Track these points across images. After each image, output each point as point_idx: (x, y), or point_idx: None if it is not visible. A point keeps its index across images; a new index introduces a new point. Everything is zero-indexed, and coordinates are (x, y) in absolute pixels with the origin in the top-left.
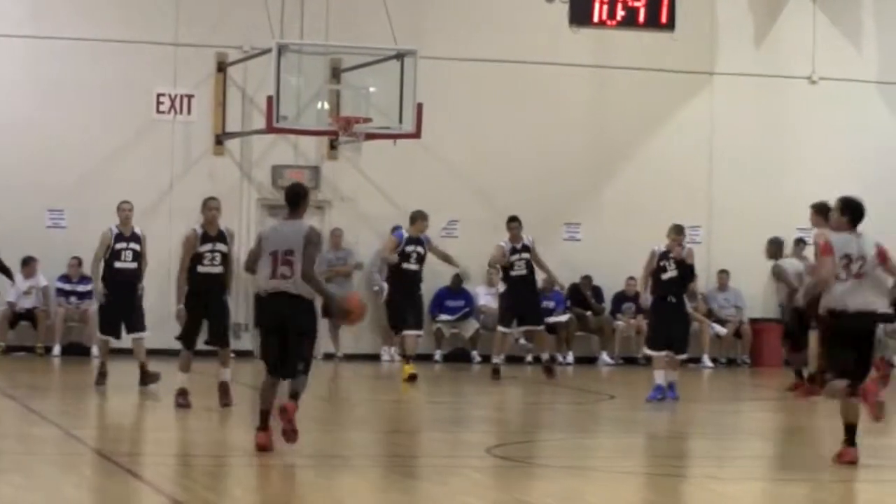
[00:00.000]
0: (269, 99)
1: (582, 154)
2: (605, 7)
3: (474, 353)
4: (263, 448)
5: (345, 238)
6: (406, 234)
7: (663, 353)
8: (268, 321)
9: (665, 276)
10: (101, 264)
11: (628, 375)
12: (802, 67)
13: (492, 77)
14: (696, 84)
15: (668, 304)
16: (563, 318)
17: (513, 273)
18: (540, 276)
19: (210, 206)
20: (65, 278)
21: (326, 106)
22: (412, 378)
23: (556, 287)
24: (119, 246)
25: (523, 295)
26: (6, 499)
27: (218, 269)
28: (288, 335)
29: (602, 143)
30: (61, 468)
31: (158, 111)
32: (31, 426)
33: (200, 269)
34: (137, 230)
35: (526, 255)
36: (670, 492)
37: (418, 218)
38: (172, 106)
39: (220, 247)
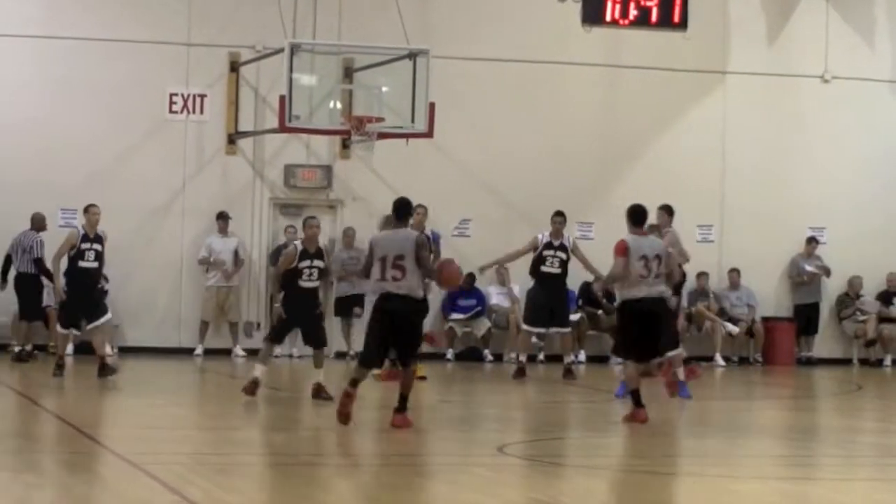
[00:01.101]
0: (282, 98)
1: (594, 153)
2: (618, 6)
3: (486, 352)
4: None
5: (358, 237)
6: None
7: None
8: (378, 319)
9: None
10: (63, 262)
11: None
12: (815, 66)
13: (504, 76)
14: (708, 83)
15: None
16: (575, 317)
17: (543, 269)
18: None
19: (311, 225)
20: None
21: (339, 105)
22: (421, 379)
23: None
24: (84, 246)
25: (554, 294)
26: (18, 497)
27: (315, 284)
28: (397, 332)
29: (614, 142)
30: (73, 467)
31: (171, 111)
32: (43, 425)
33: (300, 283)
34: (100, 231)
35: (562, 255)
36: (683, 491)
37: (414, 211)
38: (185, 106)
39: (318, 263)
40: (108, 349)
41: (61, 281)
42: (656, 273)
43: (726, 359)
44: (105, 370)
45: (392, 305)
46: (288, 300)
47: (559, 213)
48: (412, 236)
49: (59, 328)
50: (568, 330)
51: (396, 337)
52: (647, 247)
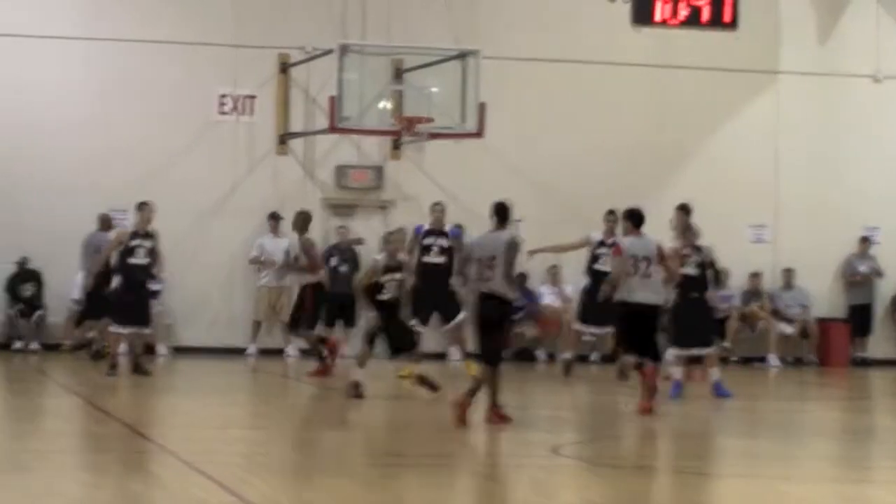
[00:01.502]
0: (332, 99)
1: (645, 154)
2: (668, 6)
3: (538, 353)
4: (490, 421)
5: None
6: (426, 227)
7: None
8: (476, 318)
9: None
10: (113, 258)
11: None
12: (866, 66)
13: (554, 76)
14: (759, 83)
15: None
16: None
17: (596, 267)
18: None
19: (394, 240)
20: None
21: (389, 106)
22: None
23: None
24: (134, 243)
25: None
26: (74, 497)
27: (395, 295)
28: (491, 329)
29: (665, 142)
30: (129, 466)
31: (221, 112)
32: (98, 424)
33: (380, 297)
34: (151, 229)
35: None
36: (737, 493)
37: (432, 209)
38: (235, 106)
39: (397, 275)
40: (160, 348)
41: (113, 280)
42: (644, 273)
43: (781, 359)
44: (138, 369)
45: (482, 305)
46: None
47: (611, 212)
48: (504, 238)
49: (111, 327)
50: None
51: (483, 335)
52: (640, 248)
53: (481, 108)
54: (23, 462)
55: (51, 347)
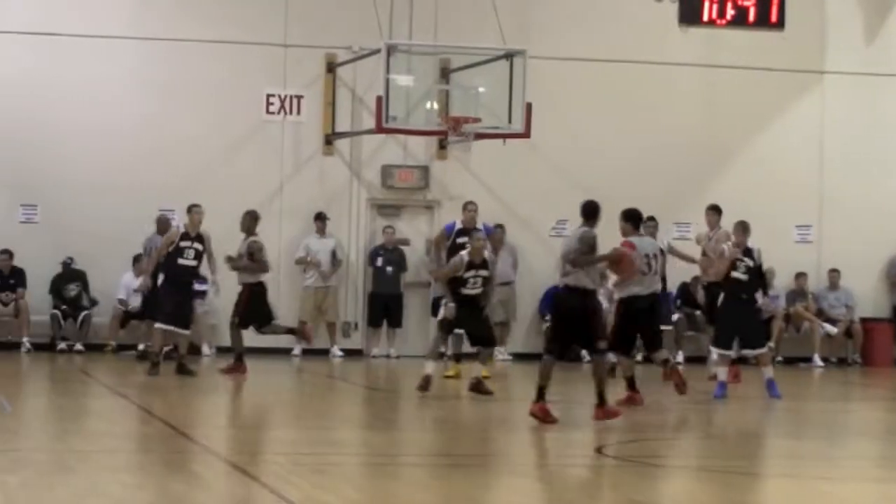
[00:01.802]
0: (379, 99)
1: (691, 153)
2: (715, 6)
3: (584, 353)
4: (536, 416)
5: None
6: (458, 225)
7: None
8: (558, 311)
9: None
10: (161, 258)
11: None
12: None
13: (600, 76)
14: (806, 83)
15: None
16: (673, 317)
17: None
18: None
19: (477, 238)
20: None
21: (436, 106)
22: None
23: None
24: (184, 244)
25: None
26: (118, 497)
27: (479, 291)
28: (572, 325)
29: (711, 142)
30: (171, 467)
31: (268, 112)
32: (141, 424)
33: (463, 290)
34: (203, 231)
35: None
36: (781, 492)
37: (465, 208)
38: (282, 106)
39: (483, 272)
40: (205, 348)
41: (159, 279)
42: (654, 270)
43: (825, 360)
44: (182, 370)
45: (566, 299)
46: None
47: (651, 218)
48: (579, 232)
49: (156, 325)
50: (667, 328)
51: (573, 330)
52: (649, 246)
53: (528, 108)
54: (67, 462)
55: (95, 348)
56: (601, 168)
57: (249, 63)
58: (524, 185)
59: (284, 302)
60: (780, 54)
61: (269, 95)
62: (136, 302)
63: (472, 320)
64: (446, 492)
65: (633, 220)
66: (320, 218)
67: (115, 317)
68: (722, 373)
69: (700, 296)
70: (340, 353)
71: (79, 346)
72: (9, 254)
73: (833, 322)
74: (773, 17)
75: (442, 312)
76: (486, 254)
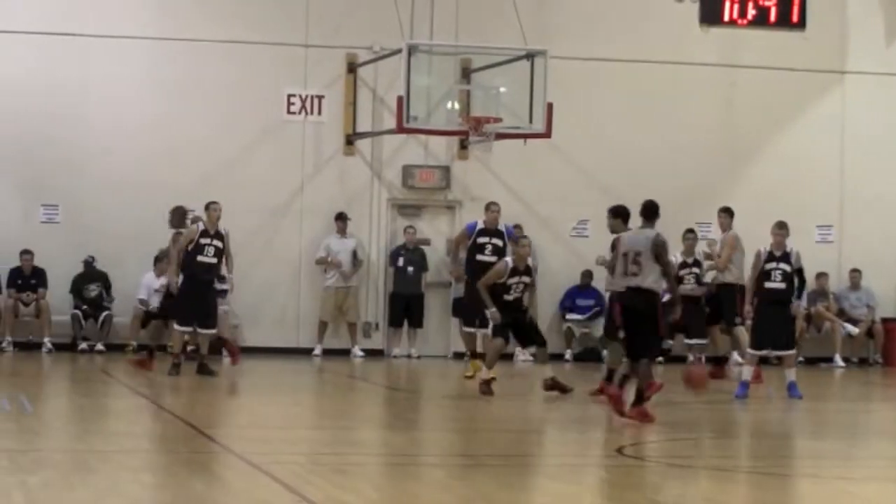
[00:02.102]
0: (400, 99)
1: (712, 153)
2: (736, 6)
3: (605, 353)
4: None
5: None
6: (480, 226)
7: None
8: (624, 311)
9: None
10: (182, 256)
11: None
12: None
13: (621, 76)
14: (826, 83)
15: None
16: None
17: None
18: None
19: (523, 245)
20: None
21: (457, 106)
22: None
23: None
24: (203, 241)
25: None
26: (136, 497)
27: (519, 296)
28: (637, 322)
29: (732, 142)
30: (192, 467)
31: (289, 112)
32: (162, 425)
33: (505, 296)
34: (222, 228)
35: (696, 270)
36: (802, 492)
37: (487, 208)
38: (303, 106)
39: (525, 279)
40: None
41: (176, 278)
42: (633, 271)
43: (846, 360)
44: (203, 370)
45: (629, 299)
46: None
47: (690, 230)
48: (651, 235)
49: (175, 326)
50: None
51: (632, 329)
52: (630, 242)
53: (549, 108)
54: (87, 462)
55: (116, 348)
56: (622, 168)
57: (270, 63)
58: (545, 185)
59: (305, 302)
60: (801, 54)
61: (289, 95)
62: (156, 302)
63: (518, 323)
64: (467, 492)
65: (621, 215)
66: (341, 218)
67: (136, 317)
68: (746, 372)
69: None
70: (361, 354)
71: (100, 347)
72: (30, 254)
73: (854, 322)
74: (795, 17)
75: (492, 320)
76: (529, 260)
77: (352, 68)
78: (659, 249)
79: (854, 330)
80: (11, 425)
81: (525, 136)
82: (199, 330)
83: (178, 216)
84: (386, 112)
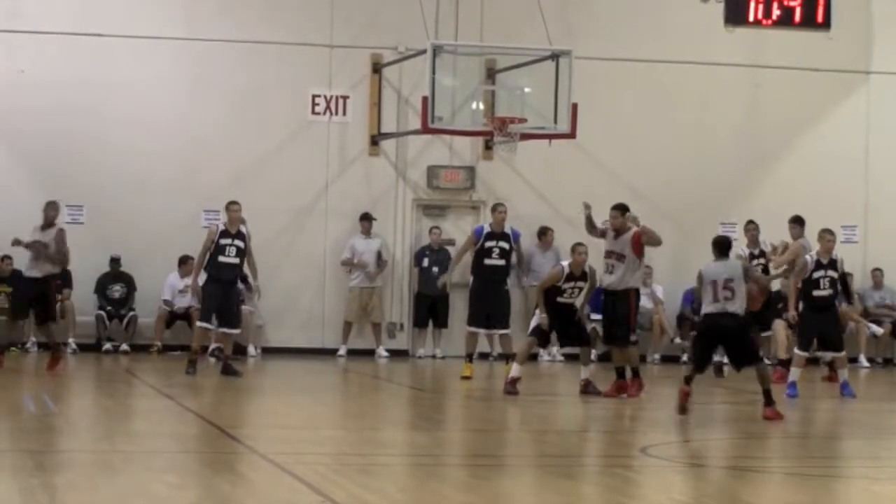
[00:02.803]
0: (424, 99)
1: (737, 154)
2: (761, 6)
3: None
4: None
5: None
6: (487, 229)
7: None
8: (711, 332)
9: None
10: (206, 257)
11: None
12: None
13: (646, 77)
14: (851, 83)
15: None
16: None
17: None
18: None
19: (579, 252)
20: None
21: (481, 106)
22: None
23: None
24: (224, 241)
25: None
26: (160, 497)
27: (572, 301)
28: (729, 342)
29: (757, 142)
30: (216, 467)
31: (314, 112)
32: (186, 425)
33: (559, 299)
34: (243, 229)
35: (762, 261)
36: (826, 492)
37: (494, 209)
38: (328, 107)
39: (581, 283)
40: (250, 349)
41: (197, 281)
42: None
43: (870, 360)
44: (228, 370)
45: (721, 321)
46: (548, 310)
47: (750, 221)
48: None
49: (197, 323)
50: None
51: (730, 346)
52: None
53: (574, 108)
54: (112, 463)
55: (140, 348)
56: (647, 168)
57: (295, 64)
58: (569, 185)
59: (330, 302)
60: (825, 54)
61: (314, 96)
62: (181, 303)
63: (565, 324)
64: (491, 493)
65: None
66: (366, 218)
67: (161, 317)
68: (795, 373)
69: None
70: (386, 354)
71: (124, 347)
72: None
73: (879, 322)
74: (819, 18)
75: (535, 321)
76: (586, 267)
77: (377, 69)
78: (749, 270)
79: (879, 330)
80: (36, 425)
81: (550, 137)
82: (227, 330)
83: (53, 211)
84: (411, 112)
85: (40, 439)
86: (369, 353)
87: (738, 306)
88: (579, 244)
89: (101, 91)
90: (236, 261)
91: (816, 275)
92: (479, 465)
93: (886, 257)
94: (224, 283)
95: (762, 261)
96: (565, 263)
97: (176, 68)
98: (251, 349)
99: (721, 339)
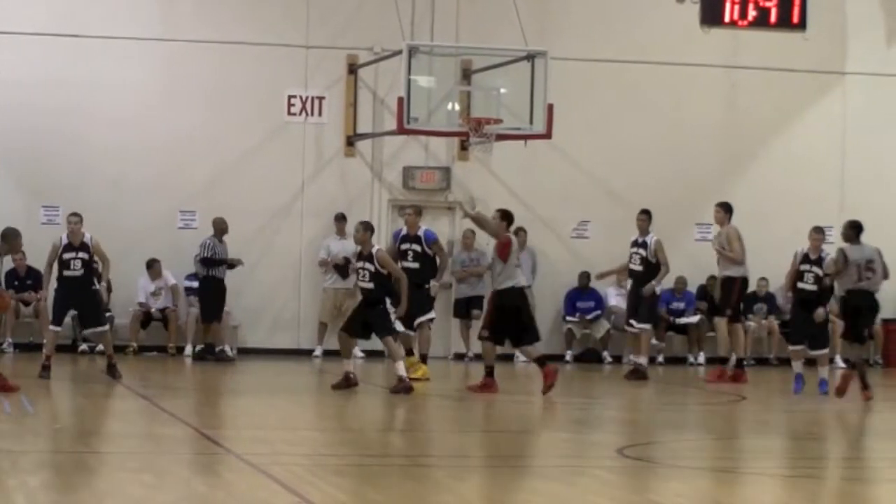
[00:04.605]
0: (400, 100)
1: (713, 154)
2: (737, 7)
3: (605, 354)
4: None
5: (477, 240)
6: (403, 232)
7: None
8: (855, 309)
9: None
10: (52, 270)
11: (760, 376)
12: None
13: (622, 77)
14: (827, 84)
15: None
16: (694, 318)
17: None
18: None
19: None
20: (194, 277)
21: (457, 107)
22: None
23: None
24: (67, 255)
25: (632, 292)
26: (136, 498)
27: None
28: (861, 319)
29: (733, 143)
30: (193, 468)
31: (290, 113)
32: (162, 426)
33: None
34: (87, 239)
35: (642, 252)
36: (803, 493)
37: (402, 214)
38: (304, 108)
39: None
40: (227, 350)
41: (46, 291)
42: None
43: (846, 361)
44: (112, 371)
45: (861, 299)
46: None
47: (644, 211)
48: (875, 247)
49: (49, 327)
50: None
51: (861, 323)
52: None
53: (549, 109)
54: (87, 463)
55: (116, 349)
56: (623, 169)
57: (271, 64)
58: (546, 186)
59: (305, 303)
60: (801, 55)
61: (290, 97)
62: (156, 304)
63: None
64: (467, 493)
65: (854, 228)
66: (341, 219)
67: (136, 318)
68: (797, 366)
69: (716, 292)
70: (361, 355)
71: (100, 348)
72: (22, 255)
73: None
74: (795, 18)
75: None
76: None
77: (352, 69)
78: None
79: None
80: (12, 426)
81: (525, 137)
82: (91, 330)
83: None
84: (386, 113)
85: (17, 440)
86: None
87: (875, 286)
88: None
89: (77, 92)
90: (81, 272)
91: (802, 268)
92: (455, 466)
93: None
94: (73, 291)
95: (818, 269)
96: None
97: (152, 69)
98: (227, 350)
99: (858, 315)
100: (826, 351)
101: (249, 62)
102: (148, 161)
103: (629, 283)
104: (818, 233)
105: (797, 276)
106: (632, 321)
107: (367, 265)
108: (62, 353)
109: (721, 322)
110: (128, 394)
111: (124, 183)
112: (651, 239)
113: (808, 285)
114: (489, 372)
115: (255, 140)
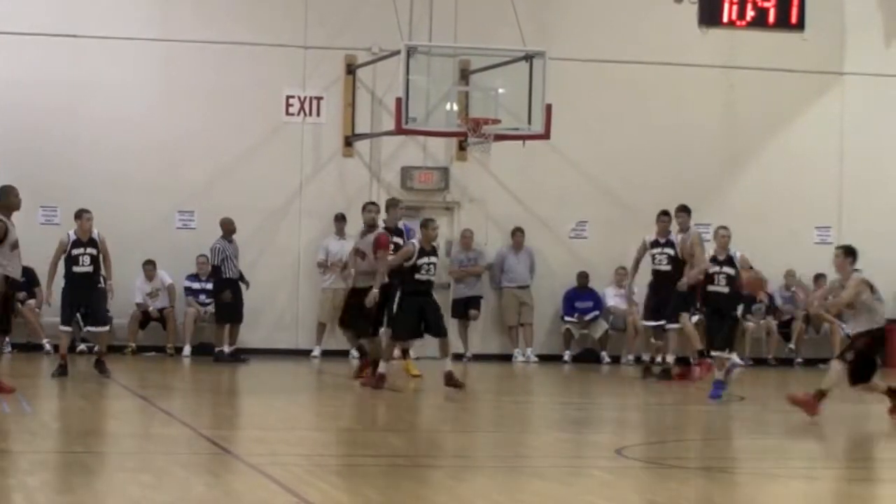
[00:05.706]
0: (398, 100)
1: (711, 155)
2: (735, 7)
3: (603, 354)
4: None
5: (475, 239)
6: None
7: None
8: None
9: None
10: (57, 268)
11: (759, 376)
12: None
13: (620, 78)
14: (825, 84)
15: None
16: (693, 319)
17: (653, 266)
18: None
19: (432, 227)
20: (194, 277)
21: (455, 107)
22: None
23: None
24: (76, 251)
25: (661, 291)
26: (135, 498)
27: (429, 277)
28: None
29: (731, 143)
30: (191, 468)
31: (288, 113)
32: (161, 426)
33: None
34: (95, 235)
35: (669, 251)
36: (801, 493)
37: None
38: (302, 108)
39: (434, 259)
40: (226, 349)
41: (51, 289)
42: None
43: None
44: (101, 368)
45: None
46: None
47: (664, 213)
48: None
49: (59, 328)
50: (675, 326)
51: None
52: None
53: (548, 109)
54: (86, 463)
55: (115, 349)
56: (620, 169)
57: (269, 65)
58: (544, 186)
59: (304, 303)
60: (799, 55)
61: (288, 97)
62: (154, 304)
63: (422, 310)
64: (464, 493)
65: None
66: (340, 219)
67: (134, 319)
68: (720, 374)
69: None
70: (356, 355)
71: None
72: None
73: None
74: (793, 19)
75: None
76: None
77: (351, 70)
78: None
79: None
80: (11, 426)
81: (524, 138)
82: (91, 329)
83: None
84: (385, 113)
85: (15, 440)
86: (343, 354)
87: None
88: (430, 220)
89: (76, 92)
90: (90, 269)
91: (712, 270)
92: (454, 467)
93: (861, 259)
94: (81, 288)
95: (730, 269)
96: (415, 240)
97: (151, 69)
98: (225, 350)
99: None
100: (726, 354)
101: (248, 62)
102: (146, 161)
103: (628, 284)
104: (724, 230)
105: (708, 279)
106: (663, 322)
107: (433, 258)
108: None
109: (685, 317)
110: (126, 394)
111: (123, 183)
112: (687, 235)
113: (720, 287)
114: (375, 363)
115: (253, 140)
